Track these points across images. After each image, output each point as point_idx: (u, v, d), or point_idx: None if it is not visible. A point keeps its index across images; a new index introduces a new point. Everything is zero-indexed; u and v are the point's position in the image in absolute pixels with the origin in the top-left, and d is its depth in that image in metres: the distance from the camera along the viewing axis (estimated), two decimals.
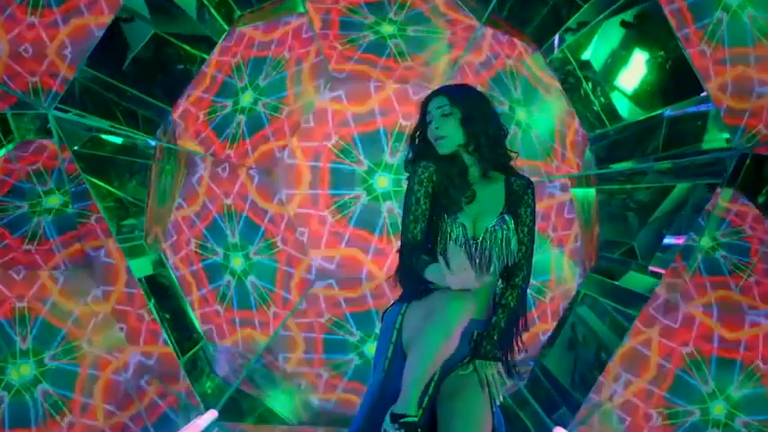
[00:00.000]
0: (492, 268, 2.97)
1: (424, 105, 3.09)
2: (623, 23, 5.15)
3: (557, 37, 5.18)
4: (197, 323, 4.93)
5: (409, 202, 2.97)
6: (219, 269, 4.87)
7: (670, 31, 5.05)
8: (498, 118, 3.08)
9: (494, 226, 2.98)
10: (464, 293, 2.83)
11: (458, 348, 2.88)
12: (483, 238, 2.97)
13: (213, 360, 4.95)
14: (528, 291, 3.07)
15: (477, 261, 2.96)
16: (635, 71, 5.30)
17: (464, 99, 3.05)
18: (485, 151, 3.02)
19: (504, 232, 2.97)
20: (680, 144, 5.11)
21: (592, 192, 5.09)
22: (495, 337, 2.98)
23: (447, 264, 2.79)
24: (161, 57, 5.26)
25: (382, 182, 4.68)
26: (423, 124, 3.08)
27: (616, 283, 5.18)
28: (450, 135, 3.02)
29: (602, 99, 5.28)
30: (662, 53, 5.26)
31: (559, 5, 5.23)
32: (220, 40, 4.96)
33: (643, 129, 5.13)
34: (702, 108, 5.04)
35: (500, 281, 3.03)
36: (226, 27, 4.99)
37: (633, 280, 5.17)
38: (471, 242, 2.97)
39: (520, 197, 3.04)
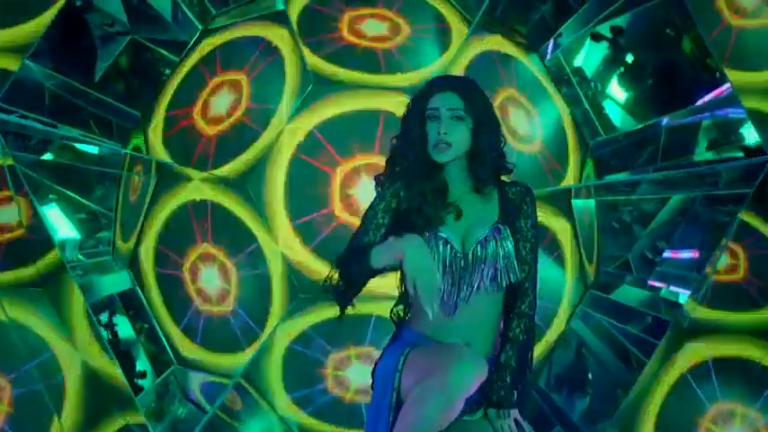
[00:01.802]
0: (489, 286, 2.46)
1: (427, 96, 2.55)
2: (594, 36, 4.86)
3: (551, 42, 4.78)
4: (166, 343, 4.42)
5: (366, 213, 2.53)
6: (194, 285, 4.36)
7: (665, 38, 4.78)
8: (501, 129, 2.59)
9: (485, 237, 2.48)
10: (472, 353, 2.33)
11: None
12: (473, 251, 2.47)
13: (186, 384, 4.46)
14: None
15: (468, 278, 2.46)
16: (625, 80, 4.99)
17: (480, 105, 2.53)
18: (488, 166, 2.52)
19: (500, 242, 2.47)
20: (680, 154, 4.78)
21: (592, 203, 4.67)
22: (509, 380, 2.46)
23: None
24: (137, 63, 4.88)
25: None
26: (421, 121, 2.54)
27: (609, 297, 4.77)
28: (456, 144, 2.50)
29: (596, 107, 4.93)
30: (654, 61, 4.97)
31: (548, 13, 4.84)
32: (192, 42, 4.50)
33: (644, 137, 4.73)
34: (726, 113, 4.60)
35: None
36: (199, 27, 4.53)
37: (625, 293, 4.79)
38: (460, 257, 2.47)
39: (517, 207, 2.54)
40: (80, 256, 4.80)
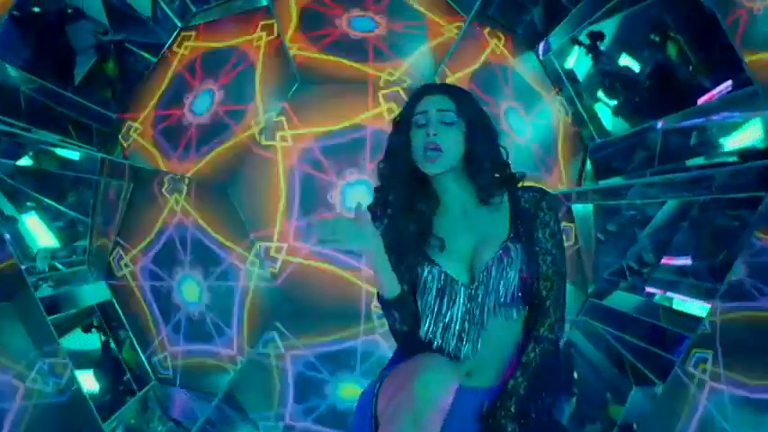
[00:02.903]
0: (494, 316, 2.13)
1: (414, 102, 2.23)
2: (573, 41, 4.61)
3: (541, 45, 4.51)
4: (144, 359, 4.08)
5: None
6: (171, 298, 3.99)
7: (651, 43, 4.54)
8: (499, 138, 2.26)
9: (492, 259, 2.14)
10: (441, 360, 2.04)
11: (461, 427, 2.02)
12: (480, 278, 2.14)
13: (167, 401, 4.11)
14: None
15: (478, 312, 2.14)
16: (615, 82, 4.70)
17: (473, 108, 2.21)
18: (486, 173, 2.18)
19: (507, 265, 2.13)
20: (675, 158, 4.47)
21: (590, 207, 4.37)
22: (513, 409, 2.09)
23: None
24: (117, 66, 4.57)
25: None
26: (407, 129, 2.21)
27: (603, 303, 4.47)
28: (448, 150, 2.17)
29: (589, 109, 4.66)
30: (642, 65, 4.71)
31: (538, 16, 4.60)
32: (170, 40, 4.16)
33: (645, 140, 4.45)
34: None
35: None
36: (178, 25, 4.20)
37: (619, 299, 4.49)
38: (464, 289, 2.14)
39: (532, 215, 2.18)
40: (58, 265, 4.49)
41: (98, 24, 4.47)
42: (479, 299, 2.12)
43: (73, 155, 4.47)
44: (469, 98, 2.24)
